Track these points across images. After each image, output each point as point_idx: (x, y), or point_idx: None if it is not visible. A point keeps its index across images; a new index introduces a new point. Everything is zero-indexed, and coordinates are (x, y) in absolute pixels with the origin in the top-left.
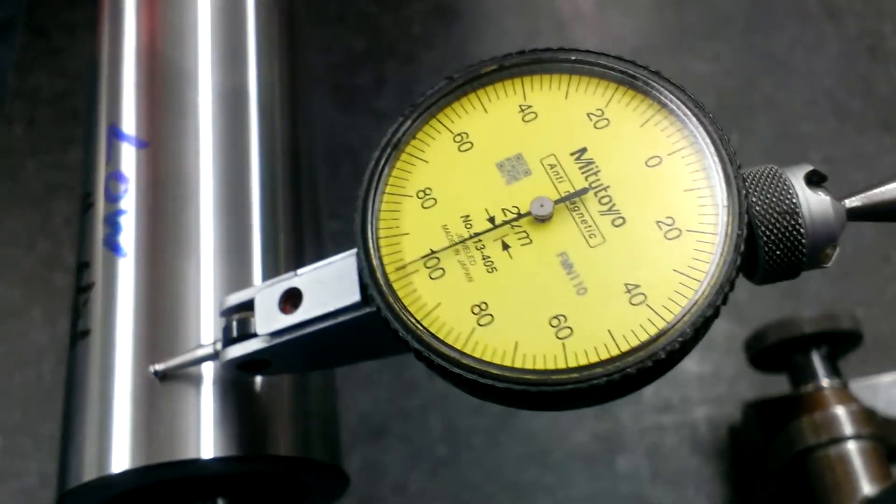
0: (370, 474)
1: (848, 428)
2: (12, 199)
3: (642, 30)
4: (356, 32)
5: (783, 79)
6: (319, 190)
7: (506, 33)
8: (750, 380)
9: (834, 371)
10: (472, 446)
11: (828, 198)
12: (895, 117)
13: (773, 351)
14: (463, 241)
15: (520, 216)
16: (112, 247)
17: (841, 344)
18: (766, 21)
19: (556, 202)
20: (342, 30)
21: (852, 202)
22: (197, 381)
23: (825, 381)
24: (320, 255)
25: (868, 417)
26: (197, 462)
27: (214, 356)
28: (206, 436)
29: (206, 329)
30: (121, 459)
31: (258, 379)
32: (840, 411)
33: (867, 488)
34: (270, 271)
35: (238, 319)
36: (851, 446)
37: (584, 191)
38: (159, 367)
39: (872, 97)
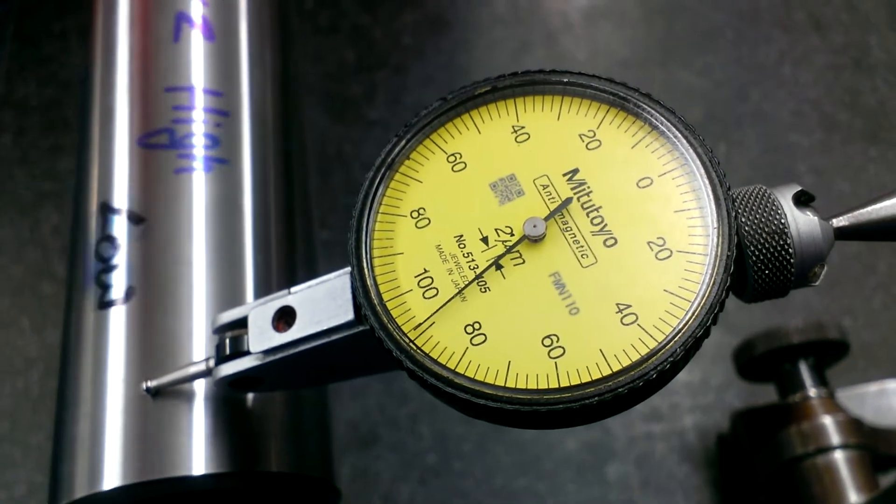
0: (360, 483)
1: (835, 437)
2: (1, 208)
3: (632, 42)
4: (348, 43)
5: (771, 90)
6: (311, 201)
7: (496, 44)
8: (738, 388)
9: (821, 381)
10: (463, 455)
11: (815, 218)
12: (881, 128)
13: (761, 361)
14: (468, 285)
15: (517, 242)
16: None
17: (828, 354)
18: (754, 33)
19: (546, 218)
20: (334, 40)
21: (839, 222)
22: (189, 397)
23: (812, 391)
24: (312, 268)
25: (855, 427)
26: (188, 478)
27: (207, 373)
28: (197, 452)
29: (199, 346)
30: (112, 476)
31: (250, 395)
32: (827, 421)
33: (854, 497)
34: (263, 285)
35: (231, 337)
36: (839, 456)
37: (569, 200)
38: (152, 383)
39: (858, 108)
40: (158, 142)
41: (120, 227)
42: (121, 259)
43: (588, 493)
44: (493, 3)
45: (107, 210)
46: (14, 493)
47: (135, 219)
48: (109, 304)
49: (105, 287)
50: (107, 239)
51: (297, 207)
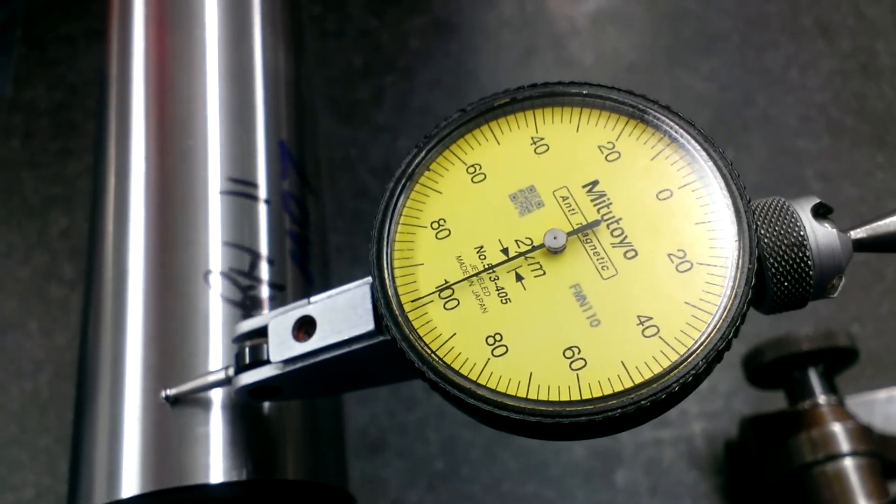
0: (369, 489)
1: (845, 445)
2: (9, 212)
3: (638, 46)
4: (355, 47)
5: (778, 95)
6: (325, 206)
7: (503, 48)
8: (746, 395)
9: (831, 388)
10: (471, 460)
11: (834, 230)
12: (888, 133)
13: (770, 368)
14: (477, 274)
15: (533, 248)
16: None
17: (837, 361)
18: (761, 38)
19: (569, 234)
20: (341, 44)
21: (857, 234)
22: (207, 406)
23: (822, 398)
24: (326, 275)
25: (865, 434)
26: (206, 487)
27: (227, 382)
28: (215, 461)
29: (215, 355)
30: (130, 484)
31: (266, 404)
32: (837, 428)
33: None
34: (279, 296)
35: (251, 346)
36: (848, 463)
37: (597, 223)
38: (171, 392)
39: (865, 114)
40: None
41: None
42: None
43: (596, 499)
44: (500, 7)
45: None
46: (22, 496)
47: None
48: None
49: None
50: None
51: (311, 211)
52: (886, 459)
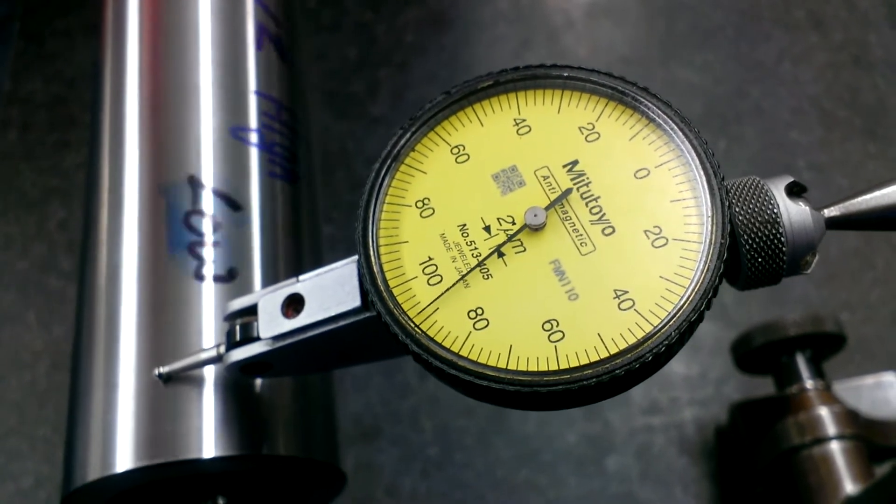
0: (363, 476)
1: (831, 428)
2: (7, 204)
3: (633, 39)
4: (350, 40)
5: (771, 87)
6: (317, 194)
7: (498, 41)
8: (736, 381)
9: (818, 373)
10: (464, 447)
11: (807, 208)
12: (880, 125)
13: (758, 353)
14: (471, 271)
15: (517, 231)
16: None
17: (825, 346)
18: (754, 31)
19: (547, 207)
20: (337, 38)
21: (831, 212)
22: (199, 382)
23: (809, 383)
24: (317, 260)
25: (851, 418)
26: (198, 462)
27: (218, 359)
28: (207, 436)
29: (208, 333)
30: (124, 459)
31: (258, 381)
32: (824, 412)
33: (850, 487)
34: (270, 275)
35: (241, 324)
36: (835, 446)
37: (569, 191)
38: (164, 369)
39: (857, 105)
40: (249, 139)
41: (218, 208)
42: (222, 238)
43: (588, 485)
44: (495, 0)
45: (196, 185)
46: (21, 484)
47: (234, 205)
48: (202, 277)
49: (201, 260)
50: (198, 213)
51: (303, 202)
52: (872, 443)
